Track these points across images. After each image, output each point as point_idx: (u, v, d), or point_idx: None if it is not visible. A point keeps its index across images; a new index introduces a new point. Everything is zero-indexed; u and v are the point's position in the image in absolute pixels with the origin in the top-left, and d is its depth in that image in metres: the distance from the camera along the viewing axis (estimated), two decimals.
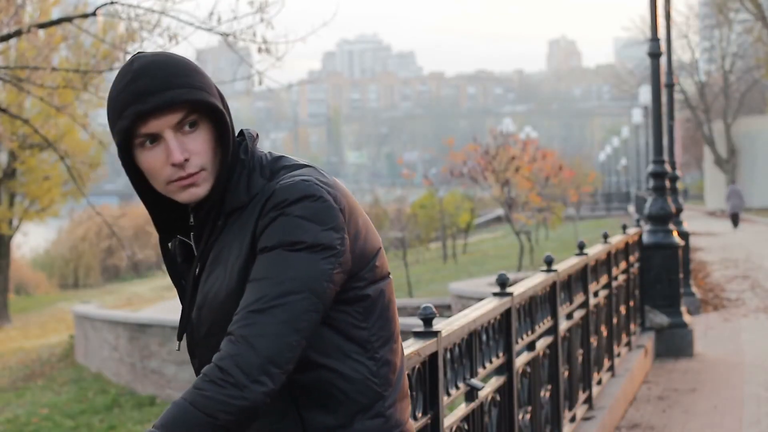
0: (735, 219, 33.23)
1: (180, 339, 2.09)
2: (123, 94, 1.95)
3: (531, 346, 5.19)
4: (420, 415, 3.17)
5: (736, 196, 34.13)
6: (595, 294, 7.47)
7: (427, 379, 3.24)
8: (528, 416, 5.02)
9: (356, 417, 1.97)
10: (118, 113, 1.96)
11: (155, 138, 1.96)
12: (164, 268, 2.11)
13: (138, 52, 2.03)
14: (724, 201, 38.75)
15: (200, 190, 1.98)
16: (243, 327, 1.86)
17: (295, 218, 1.91)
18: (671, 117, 16.27)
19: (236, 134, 2.05)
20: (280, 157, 2.06)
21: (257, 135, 2.09)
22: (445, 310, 15.12)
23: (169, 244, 2.11)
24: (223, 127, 2.00)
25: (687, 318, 10.74)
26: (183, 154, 1.95)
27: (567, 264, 6.36)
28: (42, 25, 11.90)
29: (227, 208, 2.00)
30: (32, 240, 42.42)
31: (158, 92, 1.93)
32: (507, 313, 4.53)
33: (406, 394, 2.07)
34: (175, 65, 1.97)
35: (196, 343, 2.04)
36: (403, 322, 6.08)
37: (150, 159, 1.97)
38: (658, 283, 10.67)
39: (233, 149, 2.01)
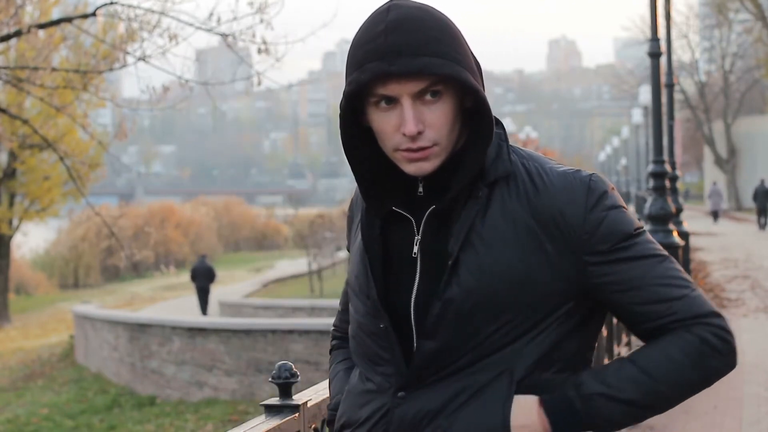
0: (715, 215, 39.11)
1: (383, 314, 1.89)
2: (370, 45, 1.78)
3: None
4: None
5: (717, 195, 39.72)
6: None
7: None
8: None
9: None
10: (358, 63, 1.79)
11: (391, 100, 1.80)
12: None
13: None
14: (706, 199, 43.80)
15: (428, 165, 1.83)
16: (700, 305, 1.86)
17: (622, 210, 1.88)
18: (671, 117, 16.28)
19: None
20: None
21: None
22: None
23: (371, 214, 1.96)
24: (477, 101, 1.82)
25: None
26: (417, 126, 1.79)
27: None
28: (42, 26, 11.92)
29: (489, 178, 1.86)
30: (32, 240, 42.43)
31: (408, 56, 1.76)
32: None
33: None
34: (433, 27, 1.79)
35: (445, 324, 1.85)
36: None
37: (382, 121, 1.82)
38: None
39: (489, 124, 1.85)
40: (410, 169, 1.84)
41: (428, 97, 1.80)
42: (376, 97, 1.81)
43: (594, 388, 1.81)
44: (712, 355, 1.83)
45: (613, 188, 1.90)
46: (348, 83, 1.81)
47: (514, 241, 1.84)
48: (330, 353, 2.27)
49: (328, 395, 2.66)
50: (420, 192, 1.90)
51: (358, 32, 1.83)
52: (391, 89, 1.79)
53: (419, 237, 1.90)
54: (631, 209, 1.95)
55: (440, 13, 1.84)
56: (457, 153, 1.87)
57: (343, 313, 2.22)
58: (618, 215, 1.87)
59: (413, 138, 1.80)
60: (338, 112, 1.89)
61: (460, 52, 1.81)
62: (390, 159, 1.88)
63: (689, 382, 1.84)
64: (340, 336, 2.24)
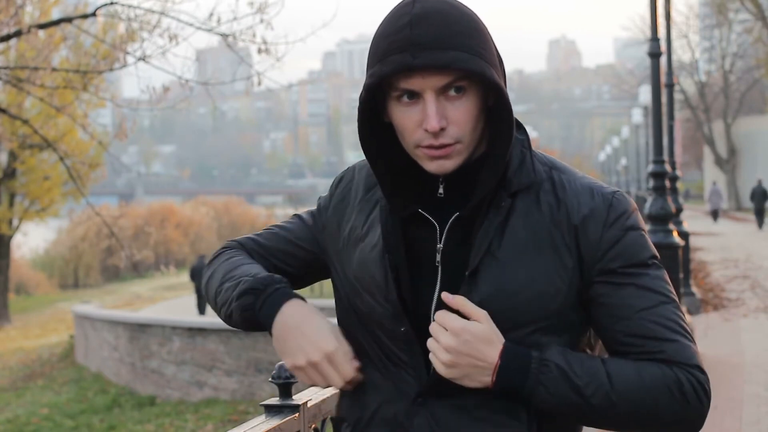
0: (715, 214, 39.57)
1: (404, 317, 1.83)
2: (394, 37, 1.72)
3: None
4: None
5: (717, 195, 40.12)
6: None
7: None
8: None
9: None
10: (380, 56, 1.74)
11: (414, 95, 1.75)
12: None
13: None
14: (706, 199, 43.90)
15: (450, 164, 1.77)
16: (690, 356, 1.82)
17: (641, 234, 1.83)
18: (671, 117, 16.26)
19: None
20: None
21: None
22: None
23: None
24: (498, 99, 1.78)
25: (687, 318, 10.72)
26: (440, 122, 1.73)
27: None
28: (42, 26, 11.92)
29: (513, 188, 1.81)
30: (32, 240, 42.44)
31: (433, 49, 1.71)
32: None
33: None
34: (459, 21, 1.74)
35: None
36: None
37: (404, 116, 1.77)
38: None
39: (509, 124, 1.79)
40: (431, 167, 1.79)
41: (452, 92, 1.75)
42: (398, 91, 1.76)
43: (555, 358, 1.75)
44: (680, 400, 1.78)
45: (635, 209, 1.85)
46: (369, 75, 1.76)
47: (534, 254, 1.80)
48: (218, 254, 2.14)
49: (329, 395, 2.64)
50: (440, 194, 1.84)
51: (381, 24, 1.78)
52: (414, 83, 1.74)
53: (441, 246, 1.84)
54: None
55: (467, 7, 1.79)
56: (480, 156, 1.83)
57: (256, 242, 2.13)
58: (636, 237, 1.82)
59: (435, 134, 1.75)
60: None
61: (485, 48, 1.76)
62: (409, 157, 1.83)
63: (642, 409, 1.76)
64: (237, 245, 2.13)
